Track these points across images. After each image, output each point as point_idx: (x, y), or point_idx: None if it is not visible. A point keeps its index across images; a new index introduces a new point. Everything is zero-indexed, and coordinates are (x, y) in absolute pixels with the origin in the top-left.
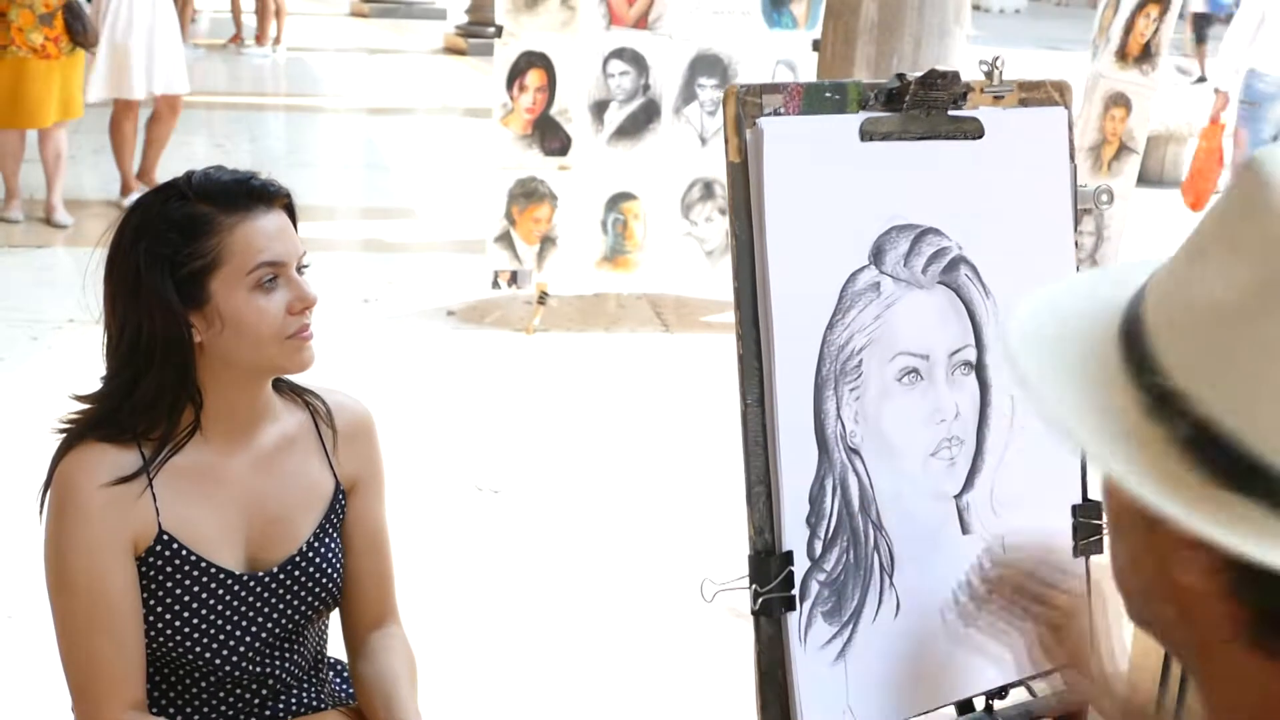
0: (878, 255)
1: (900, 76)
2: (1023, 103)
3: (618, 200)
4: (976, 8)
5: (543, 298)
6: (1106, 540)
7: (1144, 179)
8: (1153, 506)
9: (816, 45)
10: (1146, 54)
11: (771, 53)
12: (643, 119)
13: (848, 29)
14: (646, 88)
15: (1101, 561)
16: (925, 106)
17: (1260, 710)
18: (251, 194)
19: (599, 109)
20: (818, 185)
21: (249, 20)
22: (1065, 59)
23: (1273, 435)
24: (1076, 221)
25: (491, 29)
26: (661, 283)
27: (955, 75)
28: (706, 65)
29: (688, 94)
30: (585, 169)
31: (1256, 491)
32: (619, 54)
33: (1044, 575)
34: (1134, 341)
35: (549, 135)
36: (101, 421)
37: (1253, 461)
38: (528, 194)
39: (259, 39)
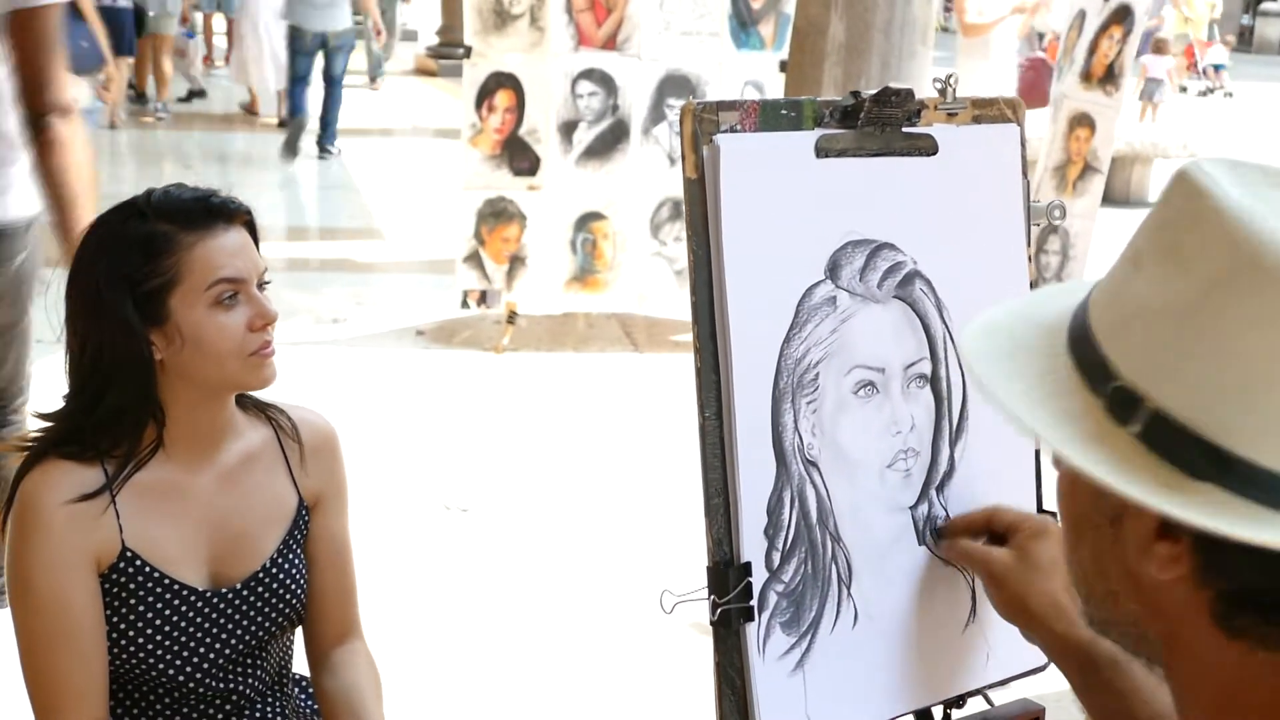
0: (834, 270)
1: (855, 94)
2: (976, 120)
3: (587, 220)
4: (945, 29)
5: (512, 317)
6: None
7: (1109, 199)
8: (1136, 501)
9: (784, 66)
10: (1110, 75)
11: (739, 74)
12: (611, 139)
13: (815, 50)
14: (615, 108)
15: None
16: (880, 123)
17: (1227, 689)
18: (211, 211)
19: (568, 129)
20: (774, 201)
21: (219, 42)
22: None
23: (1229, 424)
24: (1029, 236)
25: (461, 50)
26: (631, 302)
27: (909, 93)
28: (675, 86)
29: (656, 114)
30: (554, 189)
31: (1216, 477)
32: (588, 74)
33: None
34: (1084, 349)
35: (518, 155)
36: (64, 439)
37: (1212, 449)
38: (497, 214)
39: (228, 59)
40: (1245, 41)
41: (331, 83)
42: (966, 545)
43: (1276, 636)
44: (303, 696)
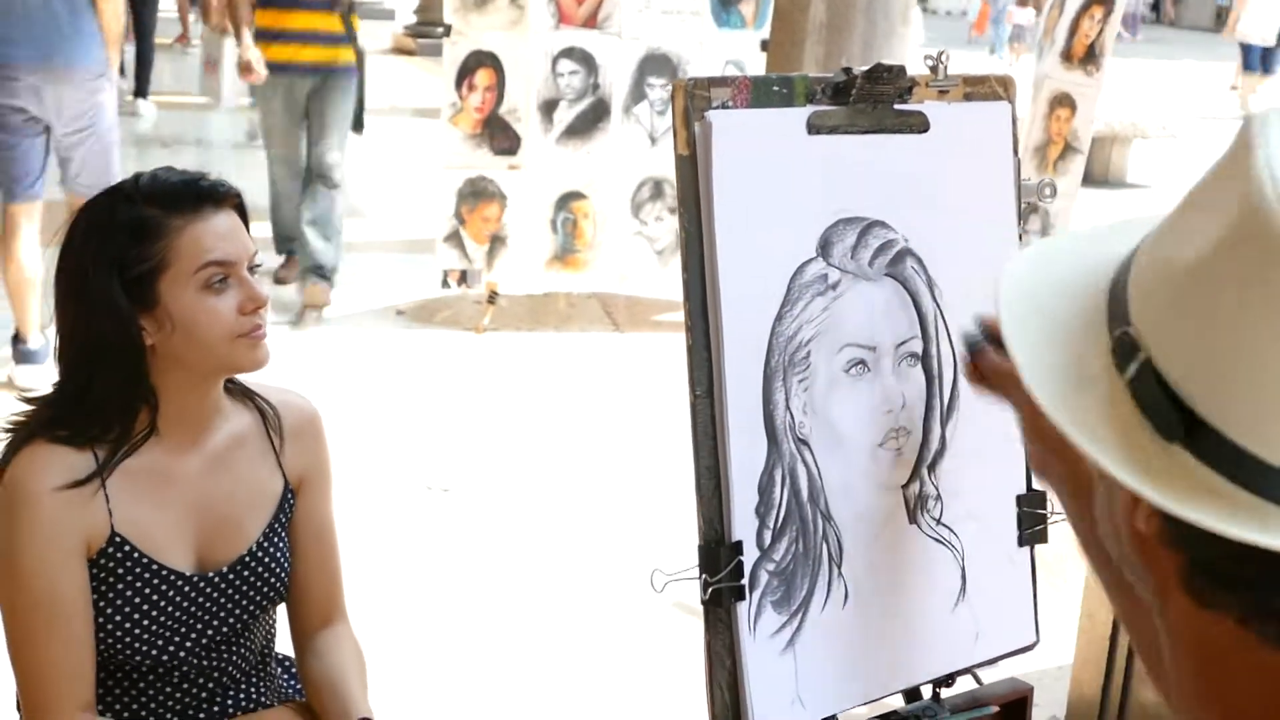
0: (825, 247)
1: (847, 70)
2: (967, 97)
3: (567, 199)
4: (929, 11)
5: (492, 297)
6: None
7: (1089, 179)
8: (1084, 453)
9: (765, 45)
10: (1091, 55)
11: (720, 52)
12: (592, 118)
13: (796, 29)
14: (596, 87)
15: None
16: (871, 100)
17: (1204, 659)
18: (200, 195)
19: (548, 108)
20: (766, 178)
21: (196, 21)
22: (1020, 67)
23: (1205, 389)
24: (1020, 214)
25: (440, 29)
26: (611, 282)
27: (901, 70)
28: (656, 65)
29: (637, 93)
30: (535, 168)
31: (1184, 440)
32: (568, 53)
33: None
34: (1116, 293)
35: (498, 134)
36: (55, 423)
37: (1185, 411)
38: (477, 193)
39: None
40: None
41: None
42: (1002, 366)
43: (1231, 606)
44: (285, 676)
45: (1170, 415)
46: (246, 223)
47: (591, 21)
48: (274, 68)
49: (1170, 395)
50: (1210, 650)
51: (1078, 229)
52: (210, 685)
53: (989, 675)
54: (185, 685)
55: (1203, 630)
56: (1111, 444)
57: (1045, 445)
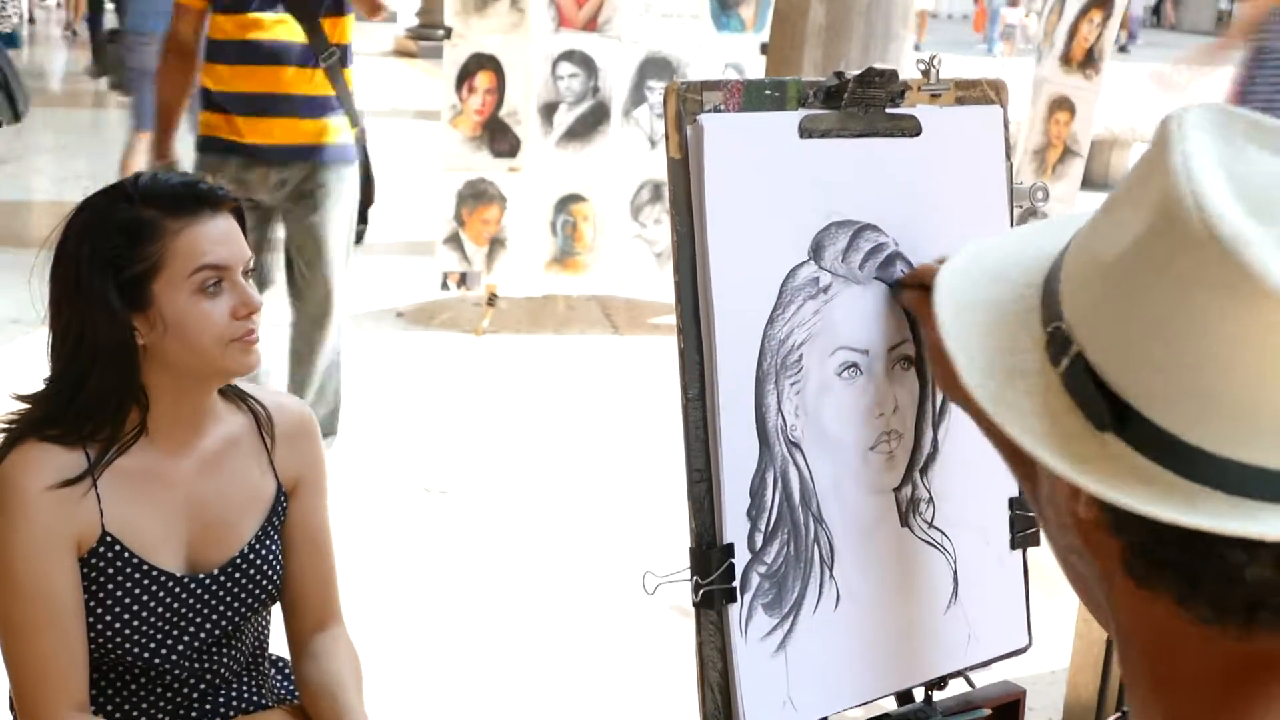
0: (817, 251)
1: (839, 74)
2: (959, 101)
3: (567, 202)
4: (931, 15)
5: (492, 299)
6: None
7: (1088, 183)
8: (1008, 434)
9: (765, 48)
10: (1090, 58)
11: (720, 56)
12: (592, 121)
13: (795, 33)
14: (596, 90)
15: None
16: (863, 104)
17: (1151, 644)
18: (198, 198)
19: (548, 111)
20: (757, 181)
21: None
22: (1012, 63)
23: (1134, 379)
24: (1012, 218)
25: (441, 31)
26: (611, 285)
27: (893, 74)
28: (656, 68)
29: (637, 96)
30: (534, 171)
31: (1117, 429)
32: (568, 56)
33: None
34: (1050, 287)
35: (498, 137)
36: (47, 421)
37: (1117, 401)
38: (477, 195)
39: None
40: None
41: None
42: (921, 299)
43: (1189, 600)
44: (279, 678)
45: (1100, 405)
46: (244, 228)
47: (592, 25)
48: (223, 151)
49: (1100, 385)
50: (1153, 632)
51: (1013, 230)
52: (202, 686)
53: (981, 678)
54: (176, 686)
55: (1145, 613)
56: (1043, 434)
57: (993, 439)
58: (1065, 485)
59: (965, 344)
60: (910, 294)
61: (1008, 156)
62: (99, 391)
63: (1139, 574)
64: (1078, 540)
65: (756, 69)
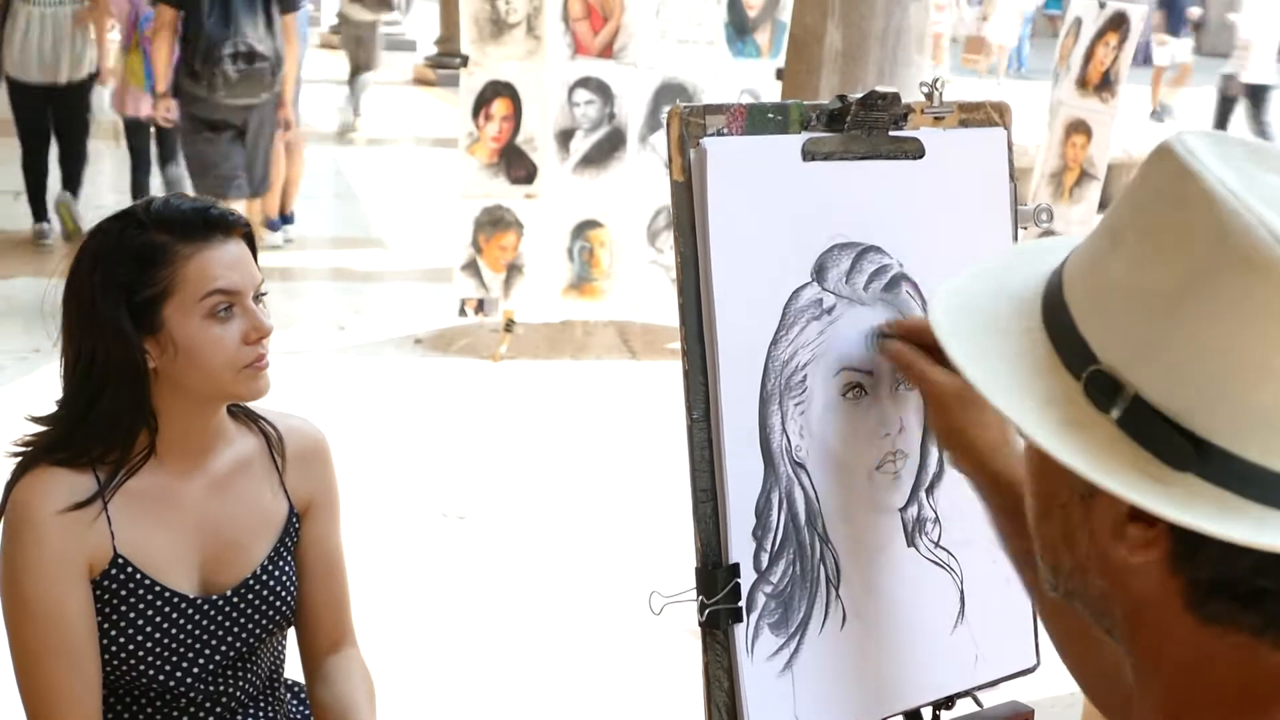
0: (820, 273)
1: (841, 98)
2: (963, 123)
3: (584, 228)
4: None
5: (509, 325)
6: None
7: (1105, 205)
8: (1112, 492)
9: (780, 74)
10: (1106, 82)
11: (736, 82)
12: (608, 147)
13: (811, 58)
14: (612, 116)
15: None
16: (866, 127)
17: (1190, 666)
18: (210, 223)
19: (565, 137)
20: (761, 204)
21: None
22: (1029, 87)
23: (1208, 413)
24: (1016, 240)
25: (459, 60)
26: (628, 310)
27: (895, 96)
28: (671, 94)
29: (653, 123)
30: (551, 197)
31: (1194, 466)
32: (584, 83)
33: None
34: (1061, 328)
35: (515, 164)
36: (57, 446)
37: (1191, 438)
38: (494, 222)
39: None
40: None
41: None
42: (911, 358)
43: (1250, 621)
44: (294, 702)
45: (1175, 443)
46: (255, 253)
47: (607, 51)
48: None
49: (1170, 424)
50: (1194, 657)
51: (977, 266)
52: (218, 710)
53: (990, 698)
54: (192, 710)
55: (1191, 638)
56: (1125, 477)
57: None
58: (1106, 527)
59: (1010, 402)
60: (893, 345)
61: (1011, 178)
62: (109, 414)
63: (1198, 606)
64: (1103, 581)
65: (772, 94)
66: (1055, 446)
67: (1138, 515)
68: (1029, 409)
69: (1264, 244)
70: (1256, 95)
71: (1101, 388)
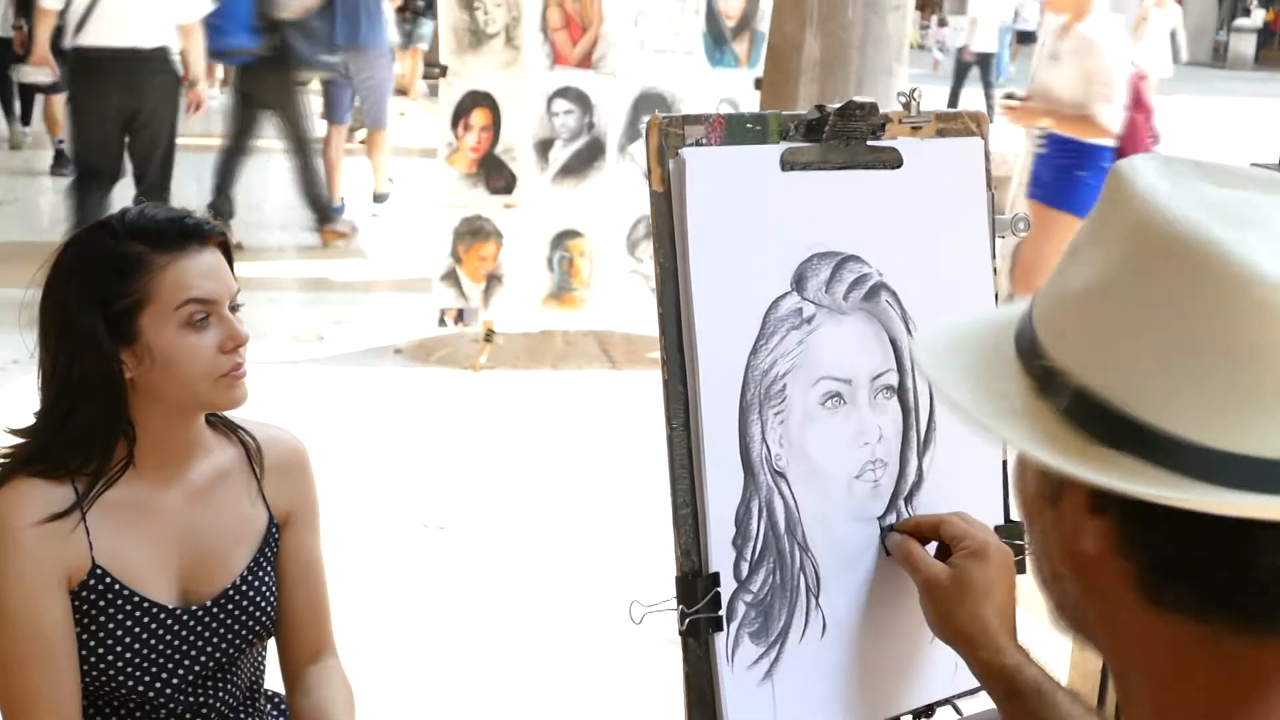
0: (799, 282)
1: (820, 108)
2: (940, 133)
3: (563, 238)
4: (922, 47)
5: (489, 335)
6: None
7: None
8: (1050, 467)
9: (759, 84)
10: None
11: (714, 91)
12: (587, 157)
13: (790, 67)
14: (591, 126)
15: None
16: (844, 137)
17: (1165, 668)
18: (184, 232)
19: (544, 147)
20: (739, 214)
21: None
22: None
23: (1144, 396)
24: (994, 248)
25: (438, 69)
26: (608, 320)
27: (873, 106)
28: (650, 104)
29: (632, 132)
30: (531, 207)
31: (1135, 448)
32: (563, 93)
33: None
34: (1023, 335)
35: (494, 174)
36: (35, 457)
37: (1129, 421)
38: (473, 232)
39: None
40: (1220, 56)
41: None
42: (910, 549)
43: (1209, 609)
44: (275, 713)
45: (1116, 428)
46: (231, 262)
47: (586, 61)
48: None
49: (1109, 410)
50: (1162, 656)
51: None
52: None
53: (969, 706)
54: None
55: (1156, 637)
56: (1068, 458)
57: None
58: (1070, 521)
59: (965, 397)
60: (896, 538)
61: (989, 187)
62: (86, 425)
63: (1154, 594)
64: (1076, 584)
65: (751, 104)
66: (1004, 430)
67: (1094, 509)
68: (983, 401)
69: (1172, 228)
70: (984, 61)
71: (1049, 380)
